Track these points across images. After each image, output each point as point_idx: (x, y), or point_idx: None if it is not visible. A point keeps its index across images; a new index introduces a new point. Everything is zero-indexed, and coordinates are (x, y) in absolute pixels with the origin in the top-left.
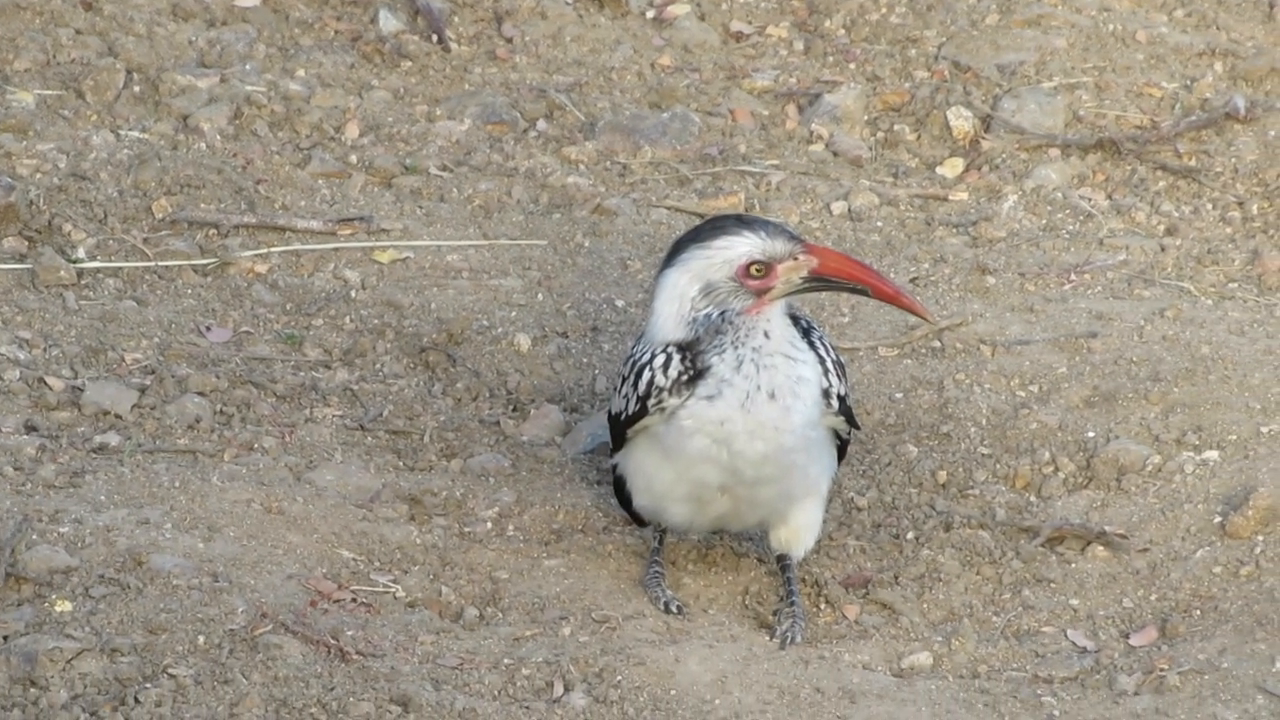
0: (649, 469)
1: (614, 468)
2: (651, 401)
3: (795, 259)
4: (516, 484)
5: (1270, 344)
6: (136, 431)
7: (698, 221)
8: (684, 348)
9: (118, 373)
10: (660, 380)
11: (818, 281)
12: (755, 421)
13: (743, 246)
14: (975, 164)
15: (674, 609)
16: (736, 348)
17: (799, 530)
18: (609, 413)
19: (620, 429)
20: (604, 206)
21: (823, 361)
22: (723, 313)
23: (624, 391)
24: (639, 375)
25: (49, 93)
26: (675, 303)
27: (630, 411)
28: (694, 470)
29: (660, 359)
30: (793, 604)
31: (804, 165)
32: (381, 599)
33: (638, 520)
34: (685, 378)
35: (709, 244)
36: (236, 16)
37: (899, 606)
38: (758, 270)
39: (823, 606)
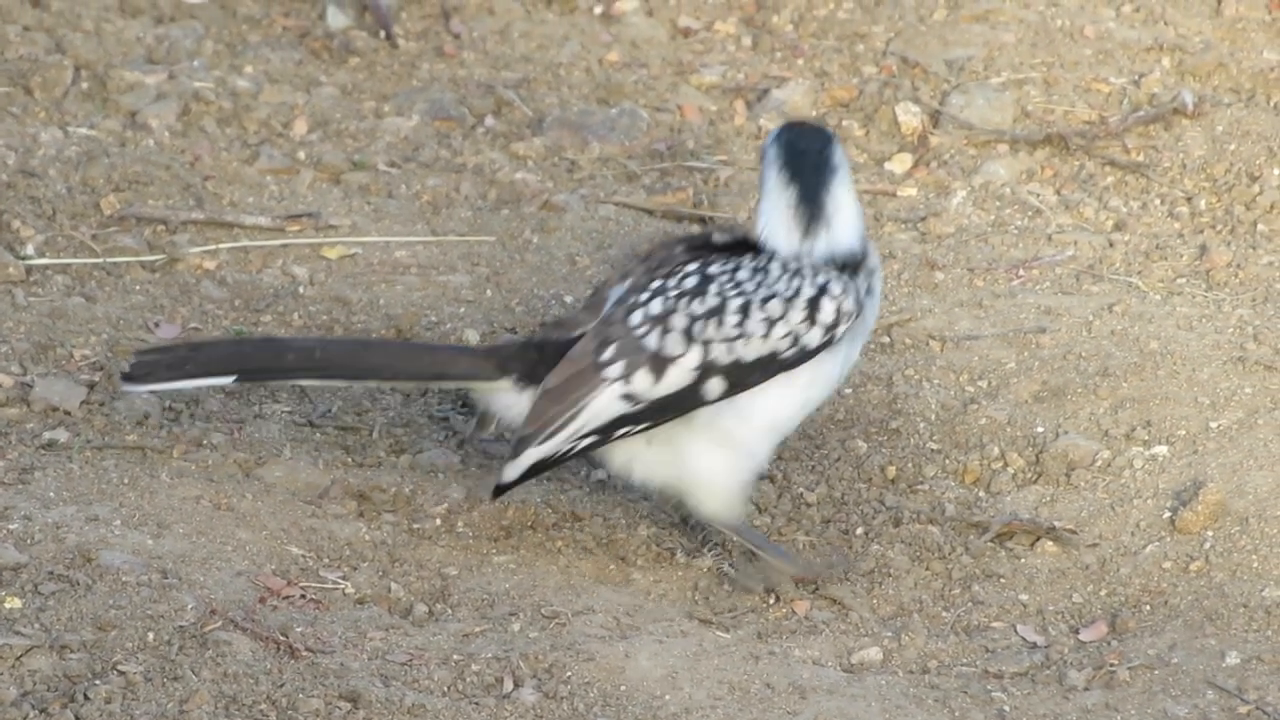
0: (790, 413)
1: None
2: (842, 328)
3: None
4: (466, 480)
5: (1219, 339)
6: (85, 428)
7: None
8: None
9: (67, 369)
10: (848, 306)
11: None
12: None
13: None
14: (923, 160)
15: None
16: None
17: None
18: (735, 362)
19: (773, 370)
20: (552, 203)
21: None
22: None
23: (779, 333)
24: (815, 305)
25: None
26: (858, 210)
27: (814, 345)
28: (822, 397)
29: (835, 282)
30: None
31: (752, 161)
32: (330, 595)
33: (724, 517)
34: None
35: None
36: (184, 13)
37: (848, 602)
38: None
39: (772, 601)
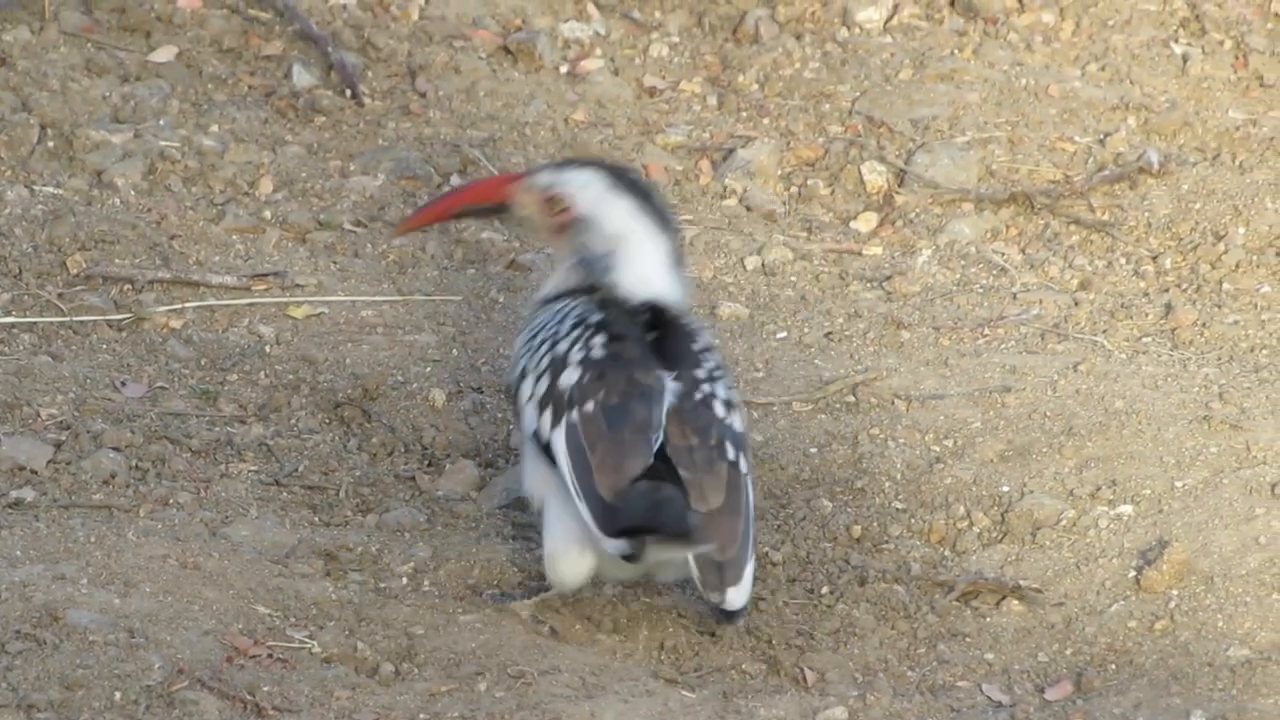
0: None
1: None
2: None
3: None
4: (432, 539)
5: (1184, 398)
6: (52, 487)
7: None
8: None
9: (33, 428)
10: None
11: None
12: None
13: None
14: (889, 218)
15: None
16: None
17: None
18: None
19: None
20: (518, 262)
21: None
22: None
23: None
24: None
25: None
26: None
27: None
28: None
29: None
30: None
31: (717, 220)
32: (297, 654)
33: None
34: None
35: None
36: (150, 72)
37: (814, 662)
38: None
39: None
